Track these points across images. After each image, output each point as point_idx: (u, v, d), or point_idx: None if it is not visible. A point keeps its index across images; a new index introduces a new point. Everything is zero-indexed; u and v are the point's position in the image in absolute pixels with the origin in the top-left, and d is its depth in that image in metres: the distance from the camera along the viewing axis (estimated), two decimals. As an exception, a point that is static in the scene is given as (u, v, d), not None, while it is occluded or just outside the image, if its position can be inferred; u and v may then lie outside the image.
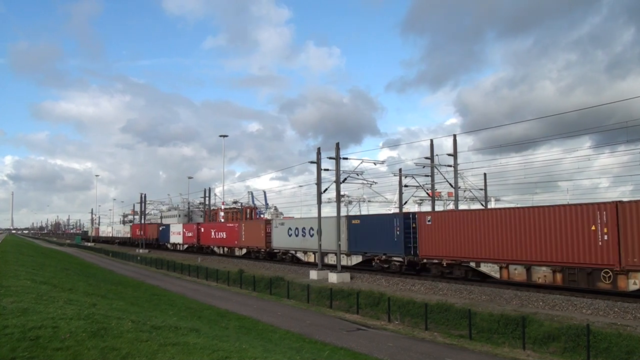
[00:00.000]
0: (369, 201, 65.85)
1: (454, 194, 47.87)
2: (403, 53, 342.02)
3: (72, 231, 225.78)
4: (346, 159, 42.79)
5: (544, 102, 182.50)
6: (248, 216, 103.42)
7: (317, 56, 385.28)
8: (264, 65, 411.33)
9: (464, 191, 56.02)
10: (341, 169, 41.44)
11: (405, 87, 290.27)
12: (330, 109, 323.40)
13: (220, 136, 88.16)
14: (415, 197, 56.27)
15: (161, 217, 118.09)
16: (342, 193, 46.21)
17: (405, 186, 52.49)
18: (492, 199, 45.14)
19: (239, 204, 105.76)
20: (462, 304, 26.43)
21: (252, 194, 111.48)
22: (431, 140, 49.13)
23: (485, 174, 56.60)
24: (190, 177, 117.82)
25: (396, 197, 56.57)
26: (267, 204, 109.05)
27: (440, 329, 23.85)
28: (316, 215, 42.40)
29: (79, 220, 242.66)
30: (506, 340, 21.28)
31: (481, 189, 55.96)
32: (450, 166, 46.54)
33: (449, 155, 46.71)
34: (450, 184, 46.88)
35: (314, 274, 40.44)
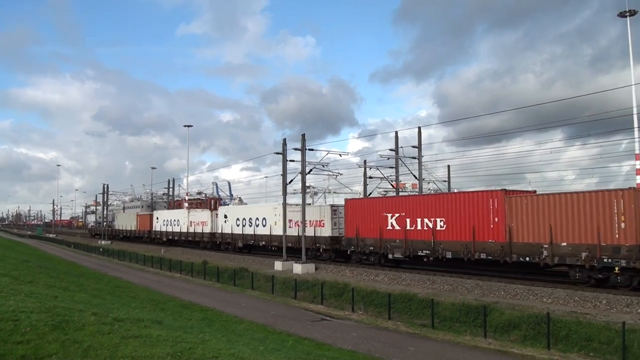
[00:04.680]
0: (334, 192, 65.85)
1: (418, 186, 48.25)
2: (393, 43, 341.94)
3: (33, 222, 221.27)
4: (312, 150, 42.87)
5: (525, 95, 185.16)
6: (212, 207, 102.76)
7: (296, 45, 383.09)
8: (240, 54, 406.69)
9: (429, 183, 56.64)
10: (312, 160, 41.81)
11: (389, 78, 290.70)
12: (309, 98, 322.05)
13: (185, 126, 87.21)
14: (380, 188, 56.52)
15: (123, 208, 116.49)
16: (308, 184, 46.26)
17: (370, 178, 52.79)
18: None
19: (204, 195, 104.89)
20: (425, 293, 26.76)
21: (216, 184, 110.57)
22: (396, 133, 49.52)
23: (449, 166, 57.37)
24: (153, 168, 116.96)
25: (361, 189, 56.66)
26: (232, 195, 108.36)
27: (403, 319, 24.14)
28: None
29: (40, 211, 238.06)
30: (468, 329, 21.64)
31: (445, 181, 56.67)
32: (415, 158, 46.90)
33: (414, 147, 47.06)
34: (414, 175, 47.25)
35: (278, 265, 40.45)
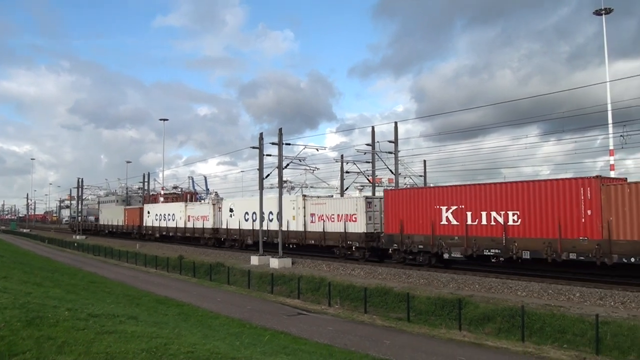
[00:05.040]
0: (311, 187, 65.93)
1: (394, 181, 48.51)
2: (372, 38, 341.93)
3: (7, 217, 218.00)
4: (289, 144, 43.05)
5: (502, 91, 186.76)
6: (188, 202, 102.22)
7: (274, 38, 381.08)
8: (219, 47, 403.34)
9: (404, 177, 56.97)
10: (290, 154, 41.79)
11: (368, 72, 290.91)
12: (288, 93, 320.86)
13: (161, 120, 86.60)
14: (357, 183, 56.75)
15: (99, 203, 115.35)
16: (285, 179, 46.31)
17: (347, 172, 52.97)
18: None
19: (179, 189, 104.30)
20: (400, 287, 26.96)
21: (192, 179, 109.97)
22: (372, 128, 49.70)
23: (425, 161, 57.71)
24: (128, 162, 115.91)
25: (338, 183, 56.84)
26: (208, 189, 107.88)
27: (379, 312, 24.29)
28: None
29: (14, 205, 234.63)
30: (443, 322, 21.83)
31: (421, 176, 57.03)
32: (392, 153, 47.11)
33: (390, 142, 47.27)
34: (390, 170, 47.48)
35: (255, 260, 40.42)
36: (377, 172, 51.99)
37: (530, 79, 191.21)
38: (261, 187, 42.70)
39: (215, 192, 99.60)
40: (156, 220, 68.90)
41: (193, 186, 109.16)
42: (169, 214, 65.90)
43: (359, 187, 57.00)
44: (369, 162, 50.29)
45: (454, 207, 30.70)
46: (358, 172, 52.30)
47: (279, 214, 41.28)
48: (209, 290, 32.02)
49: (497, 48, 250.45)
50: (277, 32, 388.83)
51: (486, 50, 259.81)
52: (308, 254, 42.81)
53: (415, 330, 20.90)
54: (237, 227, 50.67)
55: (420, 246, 32.41)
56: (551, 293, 23.88)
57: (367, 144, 49.72)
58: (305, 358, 13.93)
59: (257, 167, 42.79)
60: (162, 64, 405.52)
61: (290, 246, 43.63)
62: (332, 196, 47.69)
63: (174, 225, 63.77)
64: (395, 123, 47.09)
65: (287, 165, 42.64)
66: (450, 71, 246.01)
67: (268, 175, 42.99)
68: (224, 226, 53.30)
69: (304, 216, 41.39)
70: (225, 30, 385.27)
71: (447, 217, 31.03)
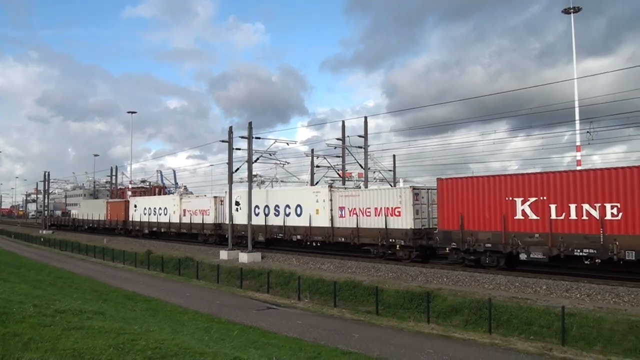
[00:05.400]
0: (281, 181, 65.81)
1: (364, 175, 48.71)
2: (345, 32, 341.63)
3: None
4: (259, 138, 42.93)
5: (472, 87, 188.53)
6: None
7: (245, 31, 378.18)
8: (189, 39, 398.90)
9: (374, 172, 57.16)
10: (260, 148, 41.63)
11: (340, 67, 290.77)
12: (259, 86, 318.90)
13: (129, 112, 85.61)
14: (327, 177, 56.81)
15: (66, 197, 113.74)
16: (254, 173, 46.19)
17: (317, 166, 52.95)
18: (401, 180, 46.32)
19: (148, 183, 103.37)
20: (370, 281, 27.13)
21: (161, 172, 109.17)
22: (343, 122, 49.64)
23: (394, 156, 57.90)
24: (96, 155, 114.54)
25: (308, 177, 56.82)
26: (177, 183, 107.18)
27: (348, 306, 24.44)
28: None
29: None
30: (411, 315, 22.05)
31: (391, 170, 57.27)
32: (361, 147, 47.28)
33: (360, 136, 47.43)
34: (360, 164, 47.67)
35: (224, 254, 40.24)
36: (347, 167, 52.09)
37: (500, 75, 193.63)
38: (230, 181, 42.52)
39: (184, 186, 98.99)
40: (145, 214, 63.02)
41: (161, 180, 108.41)
42: (160, 208, 60.25)
43: (329, 182, 57.13)
44: (339, 157, 50.32)
45: (532, 199, 26.25)
46: (328, 167, 52.27)
47: (266, 207, 40.69)
48: (177, 285, 31.87)
49: (468, 44, 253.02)
50: (248, 25, 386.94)
51: (457, 46, 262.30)
52: (330, 253, 38.48)
53: (384, 323, 21.11)
54: (246, 223, 42.79)
55: (488, 245, 27.81)
56: (518, 286, 24.23)
57: (338, 139, 49.75)
58: (274, 352, 13.93)
59: (227, 161, 42.59)
60: (132, 55, 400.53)
61: (314, 244, 38.75)
62: (359, 187, 42.97)
63: (167, 221, 58.11)
64: (365, 118, 47.29)
65: (257, 159, 42.52)
66: (422, 66, 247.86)
67: (238, 169, 42.79)
68: (228, 221, 45.78)
69: (331, 210, 36.64)
70: (195, 22, 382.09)
71: (523, 210, 26.56)
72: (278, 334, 18.90)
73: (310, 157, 54.07)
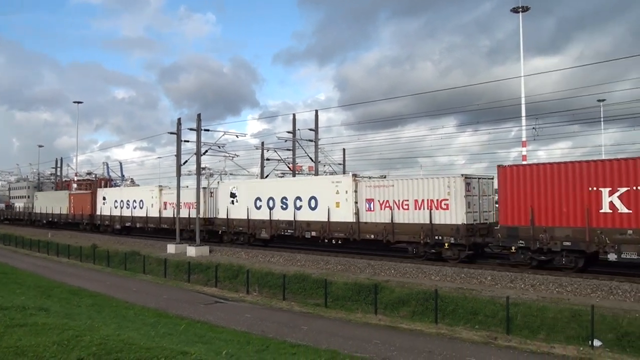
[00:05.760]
0: (231, 174, 65.38)
1: (314, 168, 48.87)
2: (298, 25, 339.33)
3: None
4: (208, 130, 42.58)
5: (422, 82, 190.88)
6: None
7: (196, 21, 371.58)
8: (139, 27, 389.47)
9: (324, 165, 57.38)
10: (210, 141, 41.21)
11: (292, 60, 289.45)
12: (210, 78, 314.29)
13: (75, 102, 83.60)
14: (277, 170, 56.75)
15: (9, 189, 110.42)
16: (203, 165, 45.70)
17: (267, 159, 52.81)
18: (350, 174, 46.41)
19: (94, 175, 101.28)
20: (319, 273, 27.24)
21: (107, 165, 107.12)
22: (294, 115, 49.61)
23: (344, 149, 58.19)
24: (40, 146, 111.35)
25: (258, 170, 56.60)
26: (124, 176, 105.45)
27: (297, 299, 24.50)
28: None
29: None
30: (360, 307, 22.23)
31: (340, 164, 57.56)
32: (312, 140, 47.41)
33: (311, 130, 47.53)
34: (310, 158, 47.78)
35: (171, 248, 39.77)
36: (297, 160, 52.16)
37: (450, 72, 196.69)
38: (178, 174, 42.07)
39: (131, 179, 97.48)
40: (116, 208, 56.81)
41: (108, 172, 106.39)
42: (135, 201, 54.10)
43: (279, 175, 57.07)
44: (290, 150, 50.31)
45: (622, 189, 22.66)
46: (278, 160, 52.22)
47: (271, 199, 36.97)
48: (123, 280, 31.41)
49: (419, 40, 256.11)
50: (199, 15, 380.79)
51: (409, 42, 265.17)
52: (352, 252, 34.03)
53: (333, 315, 21.25)
54: (245, 217, 39.27)
55: (566, 243, 24.00)
56: (464, 277, 24.71)
57: (289, 132, 49.70)
58: (222, 346, 13.87)
59: (175, 154, 42.09)
60: (80, 43, 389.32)
61: (334, 242, 33.53)
62: (384, 177, 36.85)
63: (143, 215, 51.88)
64: (316, 111, 47.47)
65: (206, 151, 42.09)
66: (373, 61, 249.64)
67: (186, 161, 42.35)
68: (221, 215, 41.79)
69: (356, 202, 31.98)
70: (146, 11, 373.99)
71: (611, 202, 22.96)
72: (226, 328, 18.81)
73: (261, 150, 53.87)
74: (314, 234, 34.29)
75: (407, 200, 29.52)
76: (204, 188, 44.63)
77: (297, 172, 53.79)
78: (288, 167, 52.48)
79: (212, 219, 43.93)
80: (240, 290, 27.15)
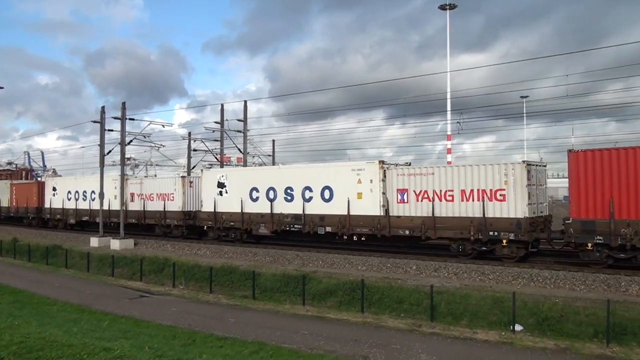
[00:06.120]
0: (157, 165, 64.31)
1: (242, 160, 48.60)
2: (229, 13, 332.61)
3: None
4: (132, 119, 41.58)
5: (353, 75, 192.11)
6: (23, 179, 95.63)
7: (123, 5, 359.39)
8: (64, 10, 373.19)
9: (253, 157, 57.23)
10: (136, 130, 40.13)
11: (223, 49, 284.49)
12: (137, 65, 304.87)
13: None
14: (205, 161, 56.17)
15: None
16: (128, 156, 44.75)
17: (195, 150, 52.17)
18: (280, 165, 46.47)
19: (14, 165, 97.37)
20: (247, 265, 27.17)
21: (28, 154, 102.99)
22: (222, 105, 48.94)
23: (273, 141, 58.21)
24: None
25: (185, 161, 55.83)
26: (45, 166, 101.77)
27: (225, 291, 24.37)
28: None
29: None
30: (288, 298, 22.34)
31: (270, 155, 57.55)
32: (241, 131, 47.09)
33: (239, 120, 47.17)
34: (239, 149, 47.46)
35: (94, 241, 38.72)
36: (226, 151, 51.73)
37: (380, 65, 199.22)
38: (102, 164, 40.93)
39: (53, 169, 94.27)
40: (70, 200, 50.01)
41: (29, 162, 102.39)
42: (94, 192, 46.98)
43: (206, 166, 56.50)
44: (217, 141, 49.82)
45: None
46: (206, 151, 51.66)
47: (271, 189, 32.63)
48: (45, 275, 30.44)
49: (351, 34, 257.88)
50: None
51: (341, 35, 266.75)
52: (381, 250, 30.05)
53: (260, 307, 21.27)
54: (238, 210, 34.30)
55: None
56: (389, 267, 25.22)
57: (217, 122, 49.19)
58: (146, 341, 13.71)
59: (99, 143, 40.96)
60: (3, 26, 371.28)
61: (355, 239, 29.52)
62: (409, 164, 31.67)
63: (104, 208, 43.67)
64: (245, 102, 47.00)
65: (131, 141, 41.14)
66: (305, 53, 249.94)
67: (110, 151, 41.28)
68: (206, 208, 36.31)
69: (383, 193, 28.07)
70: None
71: None
72: (152, 323, 18.54)
73: (188, 141, 53.13)
74: (329, 229, 29.96)
75: (452, 191, 25.92)
76: (182, 177, 40.81)
77: (225, 163, 53.38)
78: (216, 158, 51.98)
79: (192, 212, 38.81)
80: (166, 283, 26.77)
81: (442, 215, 26.00)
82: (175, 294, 24.64)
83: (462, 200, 25.53)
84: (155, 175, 53.41)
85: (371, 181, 28.40)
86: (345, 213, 29.09)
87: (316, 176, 30.95)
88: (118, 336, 13.47)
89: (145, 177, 48.24)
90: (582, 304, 17.82)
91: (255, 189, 33.68)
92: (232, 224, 34.83)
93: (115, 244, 36.55)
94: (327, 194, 30.19)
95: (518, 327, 17.26)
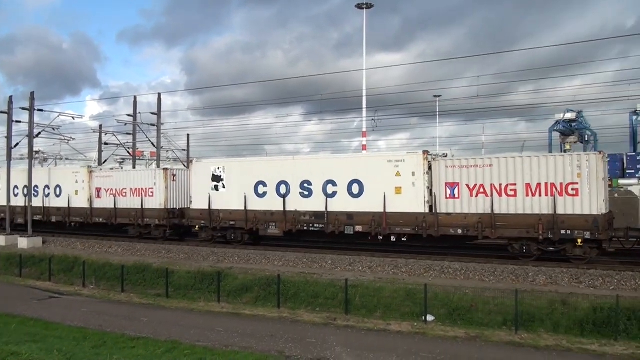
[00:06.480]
0: (66, 159, 61.98)
1: (156, 154, 47.58)
2: (146, 2, 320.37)
3: None
4: (42, 110, 39.91)
5: (272, 70, 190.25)
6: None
7: None
8: None
9: (167, 152, 56.13)
10: (46, 122, 38.50)
11: (139, 39, 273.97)
12: (48, 53, 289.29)
13: None
14: (117, 156, 54.68)
15: None
16: (37, 149, 42.95)
17: (106, 144, 50.72)
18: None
19: None
20: (160, 263, 26.63)
21: None
22: (135, 97, 47.79)
23: (188, 135, 57.30)
24: None
25: (96, 156, 54.09)
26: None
27: (137, 290, 23.89)
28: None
29: None
30: (202, 296, 22.18)
31: (184, 150, 56.59)
32: (154, 125, 46.11)
33: (153, 114, 46.15)
34: (152, 143, 46.46)
35: (1, 240, 37.00)
36: (139, 145, 50.58)
37: (299, 61, 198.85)
38: (9, 158, 38.97)
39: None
40: (16, 196, 41.32)
41: None
42: (47, 187, 40.16)
43: (118, 160, 55.03)
44: (130, 134, 48.58)
45: None
46: (118, 144, 50.27)
47: (282, 183, 28.69)
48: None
49: (271, 28, 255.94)
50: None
51: (261, 30, 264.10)
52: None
53: (174, 306, 21.04)
54: (239, 207, 29.72)
55: None
56: (305, 262, 25.39)
57: (129, 115, 47.93)
58: (55, 344, 13.39)
59: (5, 135, 39.10)
60: None
61: (397, 239, 26.12)
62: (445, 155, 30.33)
63: (63, 205, 38.58)
64: (159, 94, 46.02)
65: (39, 133, 39.56)
66: (224, 46, 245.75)
67: (17, 144, 39.56)
68: (198, 205, 31.54)
69: (429, 187, 25.08)
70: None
71: None
72: (61, 325, 18.02)
73: (99, 134, 51.52)
74: (359, 228, 26.51)
75: (514, 185, 23.24)
76: (165, 169, 34.98)
77: (138, 157, 52.18)
78: (128, 152, 50.72)
79: (177, 210, 34.02)
80: (77, 283, 25.98)
81: (503, 213, 23.28)
82: (86, 294, 23.98)
83: (527, 196, 22.91)
84: (121, 167, 48.67)
85: (413, 174, 25.22)
86: (380, 210, 25.66)
87: (341, 168, 27.40)
88: (26, 340, 13.09)
89: (116, 169, 43.06)
90: (491, 294, 18.61)
91: (261, 183, 29.44)
92: (232, 223, 30.26)
93: (22, 243, 34.98)
94: (355, 188, 26.68)
95: (430, 318, 17.88)
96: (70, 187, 38.37)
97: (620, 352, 14.52)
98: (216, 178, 30.99)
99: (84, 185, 37.63)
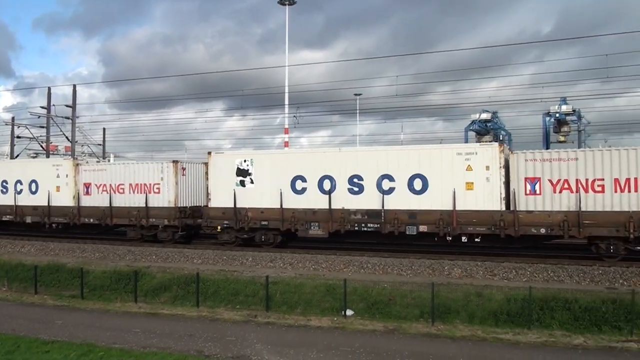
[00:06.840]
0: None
1: (71, 149, 46.09)
2: None
3: None
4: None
5: (193, 64, 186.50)
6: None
7: None
8: None
9: (82, 146, 54.49)
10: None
11: (55, 28, 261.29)
12: None
13: None
14: (30, 150, 52.67)
15: None
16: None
17: (18, 137, 48.85)
18: (112, 155, 44.53)
19: None
20: (74, 262, 25.85)
21: None
22: (49, 89, 46.27)
23: (104, 129, 55.89)
24: None
25: (7, 150, 51.92)
26: None
27: (51, 291, 23.09)
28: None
29: None
30: (119, 296, 21.69)
31: (100, 144, 55.13)
32: (69, 118, 44.68)
33: (68, 106, 44.69)
34: (67, 137, 45.01)
35: None
36: (53, 139, 48.99)
37: (222, 56, 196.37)
38: None
39: None
40: None
41: None
42: (20, 182, 34.46)
43: (31, 155, 52.96)
44: (44, 127, 46.90)
45: None
46: (31, 138, 48.46)
47: (326, 178, 26.06)
48: None
49: (193, 22, 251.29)
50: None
51: (182, 23, 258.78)
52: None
53: (90, 307, 20.51)
54: (274, 206, 26.75)
55: None
56: (225, 259, 25.31)
57: (43, 107, 46.25)
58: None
59: None
60: None
61: (469, 239, 24.09)
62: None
63: (42, 204, 33.11)
64: (74, 86, 44.65)
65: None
66: (144, 38, 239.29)
67: None
68: (219, 204, 28.01)
69: (504, 182, 23.29)
70: None
71: None
72: (-30, 330, 17.27)
73: (11, 127, 49.46)
74: (424, 228, 24.20)
75: (602, 180, 21.73)
76: (175, 161, 30.16)
77: (51, 152, 50.42)
78: (41, 146, 49.01)
79: (187, 209, 30.31)
80: (-13, 286, 24.91)
81: (590, 210, 21.74)
82: (-3, 296, 23.03)
83: (616, 191, 21.39)
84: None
85: (487, 168, 23.26)
86: (450, 208, 23.56)
87: (399, 161, 24.80)
88: None
89: (109, 161, 38.34)
90: (409, 288, 19.15)
91: (300, 177, 26.50)
92: (263, 223, 27.16)
93: None
94: (417, 184, 24.29)
95: (349, 312, 18.25)
96: (50, 182, 33.13)
97: (534, 340, 15.22)
98: (242, 172, 27.81)
99: (67, 180, 32.58)
